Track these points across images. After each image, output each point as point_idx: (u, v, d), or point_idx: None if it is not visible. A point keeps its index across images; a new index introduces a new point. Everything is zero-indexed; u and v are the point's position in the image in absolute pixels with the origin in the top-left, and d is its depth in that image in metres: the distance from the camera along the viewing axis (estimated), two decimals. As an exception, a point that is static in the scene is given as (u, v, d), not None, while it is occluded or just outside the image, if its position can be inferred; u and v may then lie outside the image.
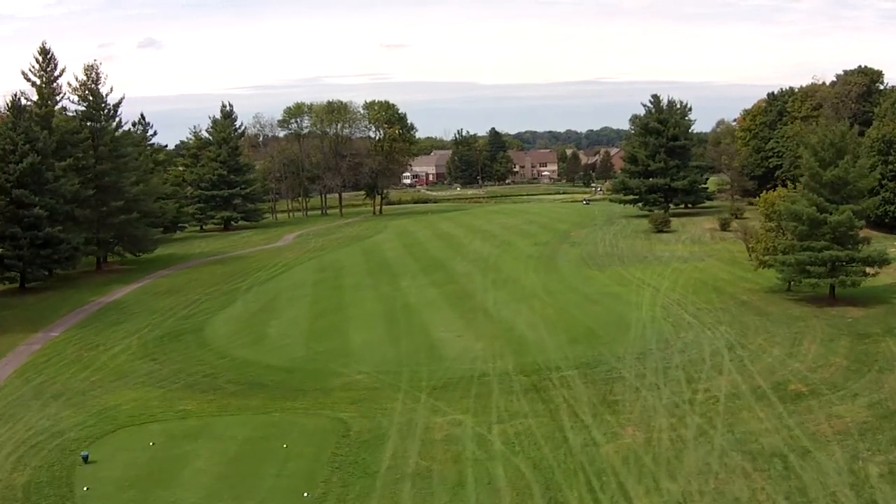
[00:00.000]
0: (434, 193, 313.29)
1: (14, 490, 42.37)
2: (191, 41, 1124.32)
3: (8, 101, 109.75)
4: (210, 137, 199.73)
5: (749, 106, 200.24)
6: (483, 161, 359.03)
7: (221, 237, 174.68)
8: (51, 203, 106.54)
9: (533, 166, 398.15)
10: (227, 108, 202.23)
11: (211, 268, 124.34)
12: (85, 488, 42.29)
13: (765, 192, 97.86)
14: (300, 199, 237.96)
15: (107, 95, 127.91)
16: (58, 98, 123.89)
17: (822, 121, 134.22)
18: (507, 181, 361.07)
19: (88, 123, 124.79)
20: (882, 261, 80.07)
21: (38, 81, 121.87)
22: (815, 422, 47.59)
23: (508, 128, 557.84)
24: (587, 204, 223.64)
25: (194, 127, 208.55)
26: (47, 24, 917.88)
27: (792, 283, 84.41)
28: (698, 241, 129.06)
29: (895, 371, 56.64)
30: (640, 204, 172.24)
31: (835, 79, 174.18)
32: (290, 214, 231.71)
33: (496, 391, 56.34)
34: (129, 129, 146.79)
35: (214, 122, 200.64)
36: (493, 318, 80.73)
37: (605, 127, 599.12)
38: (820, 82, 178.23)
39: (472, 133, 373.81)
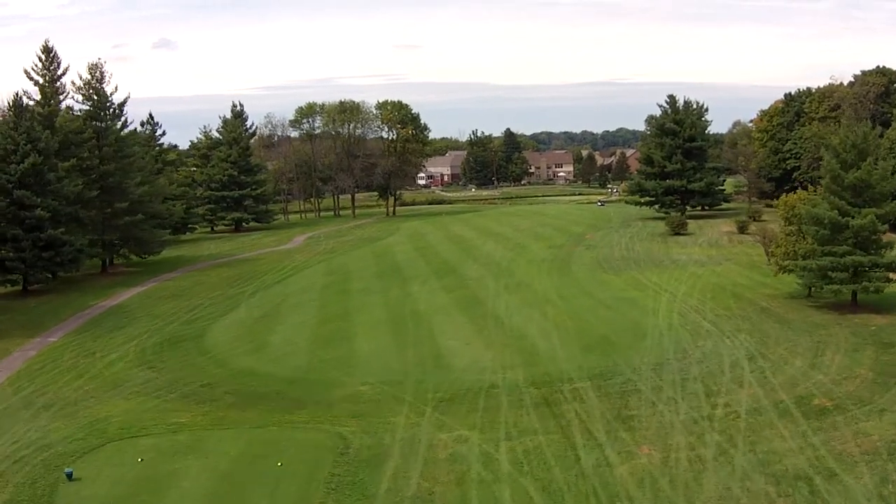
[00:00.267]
0: (448, 194, 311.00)
1: (-9, 510, 40.02)
2: (205, 41, 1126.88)
3: (9, 101, 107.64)
4: (220, 137, 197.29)
5: (765, 107, 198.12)
6: (498, 162, 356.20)
7: (231, 239, 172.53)
8: (53, 204, 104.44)
9: (549, 167, 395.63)
10: (238, 107, 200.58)
11: (218, 271, 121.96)
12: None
13: (784, 194, 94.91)
14: (312, 200, 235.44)
15: (111, 94, 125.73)
16: (61, 97, 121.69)
17: (844, 121, 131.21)
18: (522, 182, 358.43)
19: (93, 123, 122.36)
20: (906, 267, 76.94)
21: (41, 80, 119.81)
22: (841, 440, 44.83)
23: (524, 128, 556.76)
24: (602, 205, 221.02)
25: (204, 127, 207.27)
26: (61, 25, 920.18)
27: (812, 288, 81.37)
28: (716, 245, 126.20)
29: (924, 384, 53.69)
30: (656, 206, 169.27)
31: (852, 79, 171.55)
32: (303, 215, 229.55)
33: (505, 405, 53.63)
34: (136, 130, 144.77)
35: (225, 122, 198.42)
36: (505, 325, 77.96)
37: (621, 128, 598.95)
38: (837, 83, 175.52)
39: (487, 133, 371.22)
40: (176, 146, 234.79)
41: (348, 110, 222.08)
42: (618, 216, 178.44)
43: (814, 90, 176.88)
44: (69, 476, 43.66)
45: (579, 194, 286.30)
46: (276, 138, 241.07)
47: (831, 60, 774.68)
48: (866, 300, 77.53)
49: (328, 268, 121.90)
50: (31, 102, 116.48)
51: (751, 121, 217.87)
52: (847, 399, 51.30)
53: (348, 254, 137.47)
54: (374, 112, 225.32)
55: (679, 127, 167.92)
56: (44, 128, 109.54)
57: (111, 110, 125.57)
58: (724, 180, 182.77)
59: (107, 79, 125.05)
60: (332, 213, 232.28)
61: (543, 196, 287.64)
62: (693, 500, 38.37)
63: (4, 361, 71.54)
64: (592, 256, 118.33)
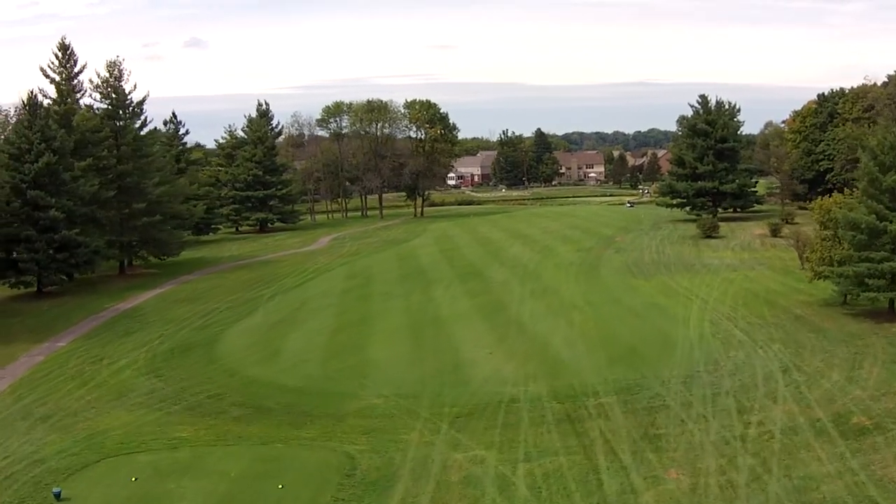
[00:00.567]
0: (478, 195, 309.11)
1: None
2: (236, 41, 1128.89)
3: (23, 99, 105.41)
4: (245, 137, 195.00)
5: (798, 107, 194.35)
6: (529, 162, 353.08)
7: (255, 239, 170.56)
8: (68, 205, 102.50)
9: (579, 168, 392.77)
10: (264, 106, 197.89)
11: (237, 273, 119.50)
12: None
13: (819, 198, 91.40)
14: (340, 200, 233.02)
15: (130, 93, 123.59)
16: (78, 95, 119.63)
17: (882, 122, 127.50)
18: (553, 183, 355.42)
19: (111, 122, 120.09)
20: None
21: (58, 78, 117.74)
22: (881, 463, 41.36)
23: (556, 129, 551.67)
24: (631, 207, 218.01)
25: (229, 126, 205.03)
26: (91, 24, 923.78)
27: (848, 296, 77.90)
28: (748, 248, 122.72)
29: (969, 401, 50.15)
30: (687, 208, 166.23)
31: (886, 79, 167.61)
32: (329, 216, 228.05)
33: (525, 421, 50.37)
34: (156, 129, 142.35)
35: (250, 121, 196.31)
36: (528, 333, 74.72)
37: (653, 128, 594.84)
38: (871, 83, 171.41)
39: (517, 134, 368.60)
40: (203, 146, 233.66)
41: (376, 109, 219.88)
42: (648, 218, 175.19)
43: (847, 91, 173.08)
44: (57, 496, 41.06)
45: (610, 195, 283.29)
46: (305, 138, 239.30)
47: (865, 61, 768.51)
48: (906, 308, 73.88)
49: (350, 271, 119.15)
50: (48, 101, 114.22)
51: (783, 121, 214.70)
52: (887, 417, 47.74)
53: (372, 256, 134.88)
54: (402, 111, 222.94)
55: (711, 127, 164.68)
56: (60, 126, 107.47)
57: (130, 109, 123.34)
58: (757, 182, 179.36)
59: (125, 77, 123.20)
60: (359, 213, 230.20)
61: (574, 197, 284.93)
62: (726, 533, 35.22)
63: (9, 367, 69.20)
64: (622, 260, 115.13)
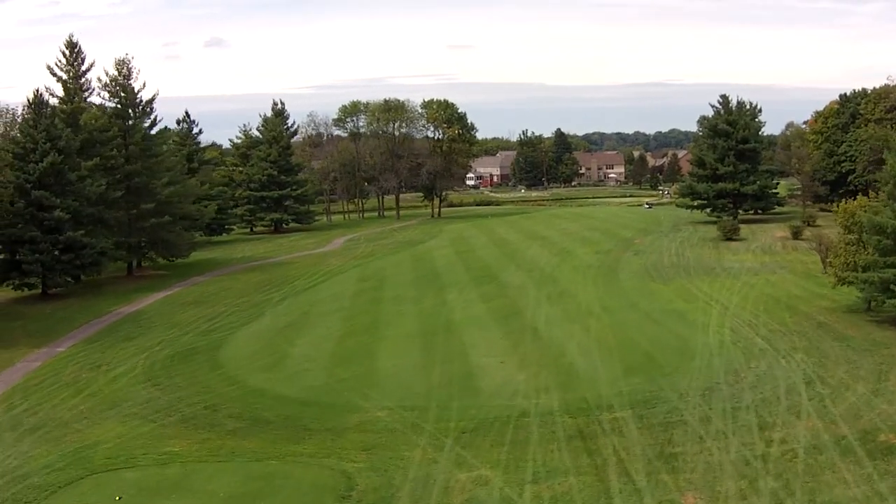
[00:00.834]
0: (497, 195, 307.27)
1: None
2: (256, 40, 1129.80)
3: (29, 98, 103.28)
4: (261, 136, 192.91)
5: (816, 108, 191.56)
6: (548, 162, 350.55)
7: (269, 240, 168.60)
8: (73, 205, 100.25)
9: (599, 168, 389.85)
10: (279, 105, 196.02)
11: (247, 275, 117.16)
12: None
13: (843, 201, 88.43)
14: (356, 200, 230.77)
15: (139, 91, 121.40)
16: (86, 94, 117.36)
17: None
18: (572, 183, 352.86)
19: (119, 121, 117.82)
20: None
21: (65, 76, 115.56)
22: (912, 488, 38.51)
23: (577, 129, 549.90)
24: (649, 208, 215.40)
25: (244, 125, 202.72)
26: (112, 23, 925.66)
27: (873, 302, 74.75)
28: (769, 251, 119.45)
29: None
30: (707, 209, 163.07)
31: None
32: (346, 216, 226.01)
33: (535, 437, 47.59)
34: (166, 128, 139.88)
35: (265, 120, 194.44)
36: (543, 340, 72.01)
37: (674, 129, 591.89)
38: (894, 83, 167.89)
39: (537, 134, 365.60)
40: (220, 145, 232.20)
41: (393, 109, 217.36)
42: (668, 220, 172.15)
43: (870, 91, 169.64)
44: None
45: (630, 196, 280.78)
46: (325, 137, 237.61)
47: (884, 61, 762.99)
48: (932, 317, 70.94)
49: (363, 273, 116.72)
50: (55, 100, 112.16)
51: (804, 122, 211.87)
52: (916, 434, 44.88)
53: (386, 258, 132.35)
54: (420, 111, 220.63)
55: (732, 128, 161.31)
56: (66, 125, 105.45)
57: (140, 108, 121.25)
58: (778, 183, 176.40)
59: (135, 75, 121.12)
60: (376, 214, 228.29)
61: (594, 198, 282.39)
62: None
63: (5, 373, 67.30)
64: (641, 263, 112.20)
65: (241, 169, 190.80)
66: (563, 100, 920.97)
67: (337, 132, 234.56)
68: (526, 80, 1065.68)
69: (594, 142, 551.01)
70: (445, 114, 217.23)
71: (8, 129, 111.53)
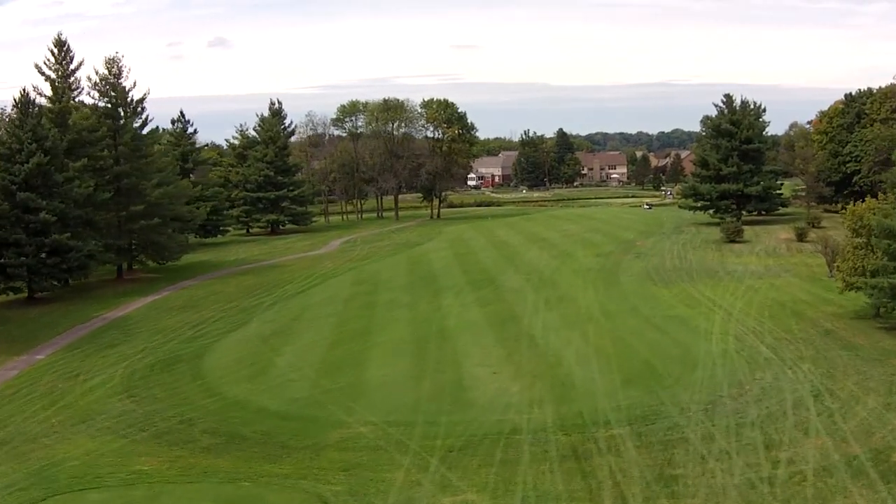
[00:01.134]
0: (498, 196, 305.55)
1: None
2: (260, 40, 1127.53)
3: (15, 97, 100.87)
4: (257, 136, 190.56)
5: (819, 108, 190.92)
6: (550, 163, 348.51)
7: (265, 242, 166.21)
8: (60, 207, 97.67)
9: (602, 168, 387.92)
10: (276, 105, 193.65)
11: (239, 279, 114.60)
12: None
13: (851, 203, 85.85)
14: (355, 201, 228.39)
15: (130, 90, 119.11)
16: (74, 93, 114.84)
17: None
18: (574, 184, 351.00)
19: (108, 121, 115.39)
20: None
21: (53, 75, 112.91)
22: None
23: (580, 129, 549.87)
24: (649, 209, 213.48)
25: (241, 125, 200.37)
26: (116, 23, 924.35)
27: (881, 308, 71.88)
28: (773, 254, 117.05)
29: None
30: (710, 210, 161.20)
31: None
32: (344, 217, 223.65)
33: (526, 457, 44.66)
34: (157, 128, 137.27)
35: (262, 120, 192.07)
36: (539, 348, 69.20)
37: (677, 129, 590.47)
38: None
39: (539, 134, 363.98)
40: (220, 146, 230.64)
41: (392, 109, 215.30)
42: (670, 221, 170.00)
43: (875, 91, 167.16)
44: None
45: (632, 197, 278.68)
46: (326, 137, 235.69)
47: (888, 62, 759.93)
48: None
49: (357, 277, 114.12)
50: (44, 99, 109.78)
51: (808, 122, 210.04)
52: (932, 453, 42.11)
53: (382, 261, 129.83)
54: (419, 111, 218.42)
55: (736, 128, 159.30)
56: (55, 125, 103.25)
57: (130, 107, 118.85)
58: (782, 184, 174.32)
59: (125, 74, 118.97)
60: (375, 214, 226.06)
61: (595, 198, 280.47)
62: None
63: (-22, 384, 64.36)
64: (642, 266, 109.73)
65: (237, 169, 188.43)
66: (567, 100, 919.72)
67: (336, 132, 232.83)
68: (530, 80, 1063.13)
69: (597, 142, 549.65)
70: (445, 113, 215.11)
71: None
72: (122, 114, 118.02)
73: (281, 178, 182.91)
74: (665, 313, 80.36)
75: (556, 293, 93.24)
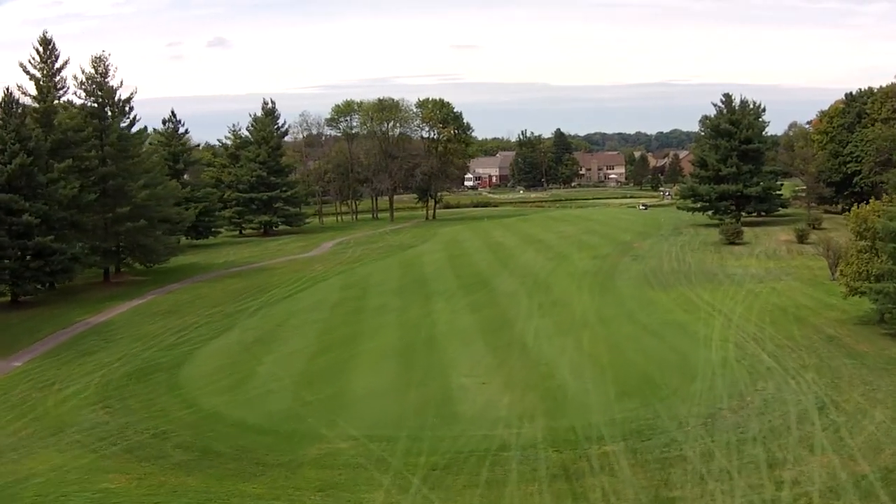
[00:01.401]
0: (496, 196, 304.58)
1: None
2: (260, 40, 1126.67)
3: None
4: (250, 136, 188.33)
5: (819, 108, 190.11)
6: (548, 163, 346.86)
7: (257, 244, 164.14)
8: (44, 209, 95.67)
9: (600, 169, 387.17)
10: (270, 105, 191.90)
11: (226, 282, 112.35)
12: None
13: (855, 206, 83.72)
14: (349, 202, 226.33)
15: (117, 90, 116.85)
16: (60, 92, 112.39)
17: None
18: (572, 184, 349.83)
19: (94, 120, 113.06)
20: None
21: (38, 74, 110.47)
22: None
23: (578, 129, 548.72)
24: (645, 209, 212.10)
25: (234, 125, 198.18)
26: (116, 23, 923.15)
27: (887, 314, 70.20)
28: (774, 256, 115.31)
29: None
30: (709, 212, 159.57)
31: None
32: (339, 218, 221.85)
33: (514, 476, 42.25)
34: (146, 128, 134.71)
35: (255, 120, 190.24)
36: (531, 356, 66.90)
37: (675, 129, 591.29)
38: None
39: (537, 134, 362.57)
40: (214, 146, 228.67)
41: (387, 108, 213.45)
42: (668, 222, 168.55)
43: (876, 90, 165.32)
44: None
45: (630, 197, 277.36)
46: (323, 138, 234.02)
47: (887, 62, 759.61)
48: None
49: (346, 280, 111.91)
50: (28, 99, 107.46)
51: (808, 122, 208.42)
52: (945, 473, 39.78)
53: (374, 263, 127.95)
54: (415, 111, 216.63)
55: (735, 128, 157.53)
56: (39, 125, 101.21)
57: (117, 107, 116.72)
58: (782, 185, 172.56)
59: (112, 73, 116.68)
60: (369, 215, 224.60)
61: (593, 199, 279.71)
62: None
63: (-49, 393, 62.10)
64: (639, 269, 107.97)
65: (229, 170, 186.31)
66: (566, 100, 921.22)
67: (330, 132, 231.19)
68: (530, 80, 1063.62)
69: (595, 142, 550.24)
70: (441, 113, 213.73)
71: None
72: (109, 113, 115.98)
73: (274, 179, 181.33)
74: (662, 319, 78.50)
75: (551, 297, 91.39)
